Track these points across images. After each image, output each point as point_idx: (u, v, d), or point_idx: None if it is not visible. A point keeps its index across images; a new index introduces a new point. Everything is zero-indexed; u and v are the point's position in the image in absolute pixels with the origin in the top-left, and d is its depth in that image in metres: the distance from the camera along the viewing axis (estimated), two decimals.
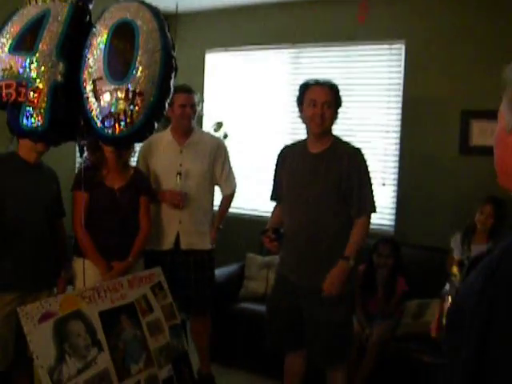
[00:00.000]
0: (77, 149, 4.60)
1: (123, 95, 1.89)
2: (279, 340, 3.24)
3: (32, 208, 3.09)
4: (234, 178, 3.82)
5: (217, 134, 4.75)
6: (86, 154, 3.38)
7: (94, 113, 1.90)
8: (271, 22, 4.98)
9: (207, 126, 5.16)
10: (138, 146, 3.68)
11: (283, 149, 3.34)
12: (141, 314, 2.14)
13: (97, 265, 3.24)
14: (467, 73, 4.17)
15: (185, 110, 3.60)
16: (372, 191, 3.06)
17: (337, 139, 3.17)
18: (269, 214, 3.45)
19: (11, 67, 1.86)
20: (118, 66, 1.92)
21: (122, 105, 1.89)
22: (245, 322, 4.24)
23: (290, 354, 3.29)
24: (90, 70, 1.90)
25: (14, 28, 1.88)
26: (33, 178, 3.16)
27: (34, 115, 1.90)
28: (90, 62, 1.89)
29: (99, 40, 1.88)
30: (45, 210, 3.19)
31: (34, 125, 1.91)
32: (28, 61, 1.87)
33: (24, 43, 1.89)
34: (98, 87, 1.88)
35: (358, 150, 3.12)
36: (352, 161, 3.04)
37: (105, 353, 1.95)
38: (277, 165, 3.32)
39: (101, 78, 1.88)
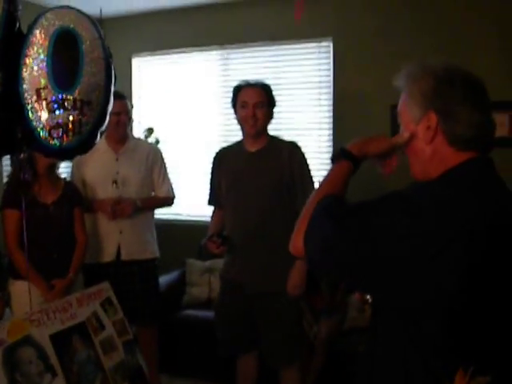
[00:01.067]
0: (3, 163, 4.43)
1: (71, 105, 1.84)
2: (230, 345, 3.22)
3: None
4: (170, 185, 3.73)
5: (148, 140, 4.66)
6: (12, 169, 3.24)
7: (36, 124, 1.80)
8: (198, 24, 4.92)
9: (137, 132, 5.05)
10: None
11: (218, 152, 3.30)
12: (93, 333, 2.06)
13: (37, 285, 3.08)
14: (394, 68, 4.24)
15: (120, 117, 3.50)
16: (313, 183, 3.08)
17: (272, 137, 3.18)
18: (206, 219, 3.41)
19: None
20: (64, 74, 1.85)
21: (70, 115, 1.84)
22: (190, 329, 4.18)
23: (243, 356, 3.28)
24: (30, 79, 1.79)
25: None
26: None
27: None
28: (31, 71, 1.79)
29: (40, 49, 1.78)
30: None
31: None
32: None
33: None
34: (42, 97, 1.79)
35: (296, 144, 3.16)
36: (292, 155, 3.07)
37: (59, 378, 1.86)
38: (213, 168, 3.27)
39: (46, 88, 1.79)
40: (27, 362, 1.78)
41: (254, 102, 3.01)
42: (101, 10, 4.85)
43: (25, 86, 1.81)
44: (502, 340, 1.26)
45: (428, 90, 1.36)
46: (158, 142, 4.82)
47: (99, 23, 4.98)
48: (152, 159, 3.64)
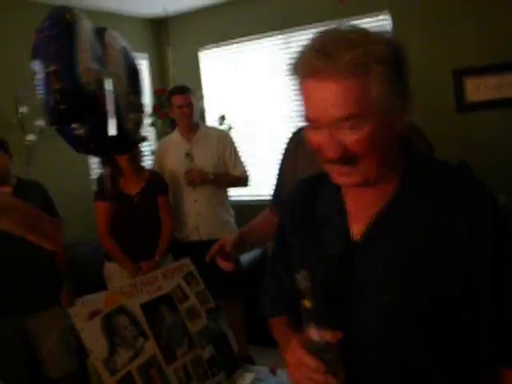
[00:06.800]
0: (91, 160, 4.84)
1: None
2: None
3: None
4: (243, 166, 3.95)
5: (221, 127, 4.92)
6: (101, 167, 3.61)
7: (128, 122, 2.10)
8: (257, 12, 5.13)
9: (210, 121, 5.32)
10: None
11: (297, 132, 2.30)
12: (178, 302, 2.30)
13: (125, 268, 3.44)
14: (454, 33, 4.29)
15: (182, 110, 3.78)
16: None
17: None
18: None
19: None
20: None
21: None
22: None
23: None
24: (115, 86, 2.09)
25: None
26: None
27: None
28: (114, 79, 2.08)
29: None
30: None
31: None
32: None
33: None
34: (132, 102, 2.09)
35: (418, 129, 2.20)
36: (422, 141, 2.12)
37: (150, 341, 2.11)
38: (286, 154, 2.32)
39: (132, 94, 2.10)
40: (123, 328, 2.05)
41: None
42: (165, 10, 5.19)
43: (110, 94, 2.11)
44: None
45: None
46: (230, 128, 5.07)
47: (165, 22, 5.29)
48: (223, 144, 3.88)
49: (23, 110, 4.43)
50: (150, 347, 2.08)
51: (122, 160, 3.44)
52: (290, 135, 2.33)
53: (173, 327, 2.24)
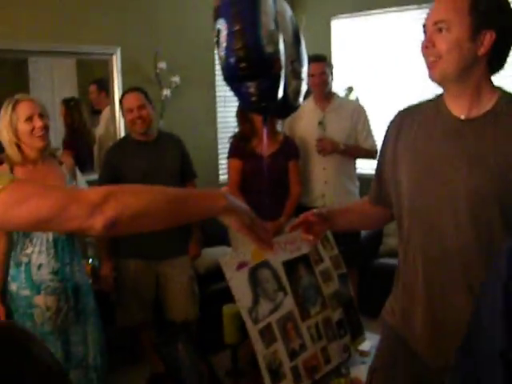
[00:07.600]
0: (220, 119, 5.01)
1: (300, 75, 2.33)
2: None
3: (153, 178, 3.22)
4: (374, 139, 3.99)
5: (349, 98, 4.94)
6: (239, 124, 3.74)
7: (290, 88, 2.20)
8: None
9: (337, 91, 5.34)
10: None
11: (397, 115, 1.99)
12: (314, 264, 2.40)
13: None
14: None
15: (314, 78, 3.84)
16: None
17: (506, 94, 1.74)
18: None
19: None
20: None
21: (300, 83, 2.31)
22: (386, 276, 4.44)
23: None
24: (287, 51, 2.18)
25: None
26: (150, 152, 3.46)
27: None
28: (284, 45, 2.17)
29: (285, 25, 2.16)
30: (169, 177, 3.43)
31: None
32: None
33: None
34: (295, 69, 2.19)
35: None
36: None
37: (289, 297, 2.22)
38: (386, 141, 2.02)
39: (295, 61, 2.18)
40: (265, 281, 2.17)
41: (432, 20, 1.78)
42: None
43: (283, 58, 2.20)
44: None
45: None
46: (357, 100, 5.07)
47: None
48: (357, 116, 3.93)
49: (162, 65, 4.65)
50: (289, 303, 2.20)
51: (259, 121, 3.54)
52: (392, 119, 2.01)
53: (308, 286, 2.34)
